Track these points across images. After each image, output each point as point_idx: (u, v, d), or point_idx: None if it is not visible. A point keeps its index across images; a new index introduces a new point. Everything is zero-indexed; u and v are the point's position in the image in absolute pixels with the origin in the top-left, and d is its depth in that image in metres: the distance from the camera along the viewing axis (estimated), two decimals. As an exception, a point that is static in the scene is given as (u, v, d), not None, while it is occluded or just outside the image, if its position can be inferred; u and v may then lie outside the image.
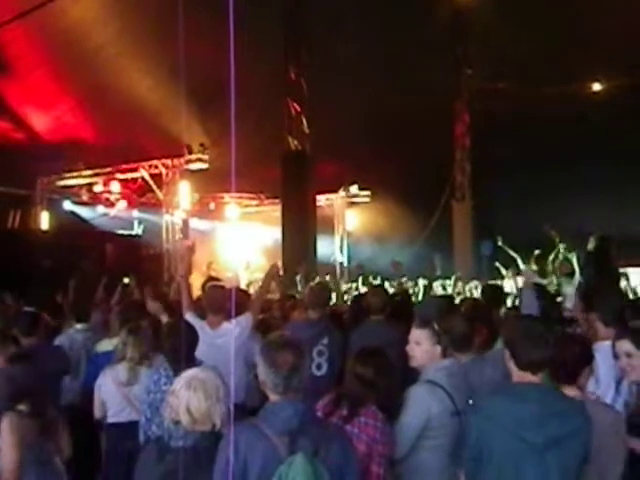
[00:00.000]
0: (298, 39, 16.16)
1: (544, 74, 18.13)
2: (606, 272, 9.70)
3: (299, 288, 10.04)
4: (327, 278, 13.05)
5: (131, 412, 5.10)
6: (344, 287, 15.92)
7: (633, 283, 10.96)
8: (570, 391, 3.55)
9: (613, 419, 3.55)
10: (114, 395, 5.18)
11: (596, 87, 20.97)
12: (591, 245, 10.13)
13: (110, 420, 5.24)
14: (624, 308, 4.72)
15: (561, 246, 11.22)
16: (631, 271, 11.82)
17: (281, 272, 6.71)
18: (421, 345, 4.12)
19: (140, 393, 5.00)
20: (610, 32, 16.71)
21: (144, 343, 5.21)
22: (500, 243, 13.91)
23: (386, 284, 13.61)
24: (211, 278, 8.05)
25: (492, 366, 4.32)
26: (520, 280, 10.79)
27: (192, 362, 4.36)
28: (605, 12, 16.25)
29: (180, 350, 4.17)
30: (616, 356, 3.86)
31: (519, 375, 3.26)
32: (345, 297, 12.51)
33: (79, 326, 6.66)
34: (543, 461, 3.12)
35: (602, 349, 4.15)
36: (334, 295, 9.30)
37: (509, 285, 12.19)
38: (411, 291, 13.85)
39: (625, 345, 3.78)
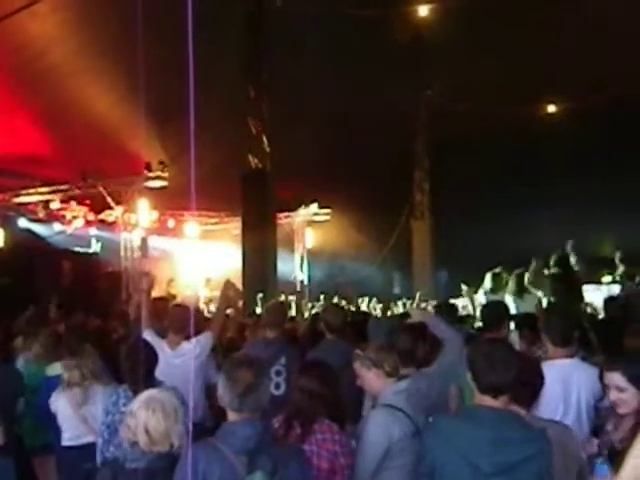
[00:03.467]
0: (258, 58, 16.21)
1: (502, 95, 18.44)
2: (569, 290, 9.80)
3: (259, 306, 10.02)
4: (283, 297, 13.02)
5: (88, 434, 5.02)
6: (306, 306, 15.94)
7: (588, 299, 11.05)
8: (519, 410, 3.55)
9: (559, 436, 3.52)
10: (70, 418, 5.09)
11: (551, 109, 21.44)
12: (553, 263, 10.24)
13: (66, 443, 5.14)
14: (571, 328, 4.72)
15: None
16: (589, 288, 11.96)
17: (238, 287, 6.66)
18: (362, 377, 4.11)
19: (96, 412, 4.94)
20: (565, 56, 17.10)
21: (94, 362, 5.16)
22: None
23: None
24: (160, 298, 7.90)
25: (427, 383, 4.31)
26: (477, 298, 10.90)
27: (152, 382, 4.32)
28: (561, 37, 16.62)
29: (139, 370, 4.13)
30: (606, 387, 3.67)
31: (479, 398, 3.25)
32: (305, 315, 12.51)
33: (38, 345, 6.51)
34: None
35: (551, 368, 4.18)
36: (294, 313, 9.31)
37: (463, 303, 12.27)
38: (367, 309, 13.92)
39: (615, 378, 3.56)
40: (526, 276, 10.45)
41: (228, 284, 6.13)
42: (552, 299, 9.67)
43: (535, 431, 3.28)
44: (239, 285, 13.82)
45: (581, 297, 10.17)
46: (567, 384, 4.35)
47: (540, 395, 3.75)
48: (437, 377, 4.27)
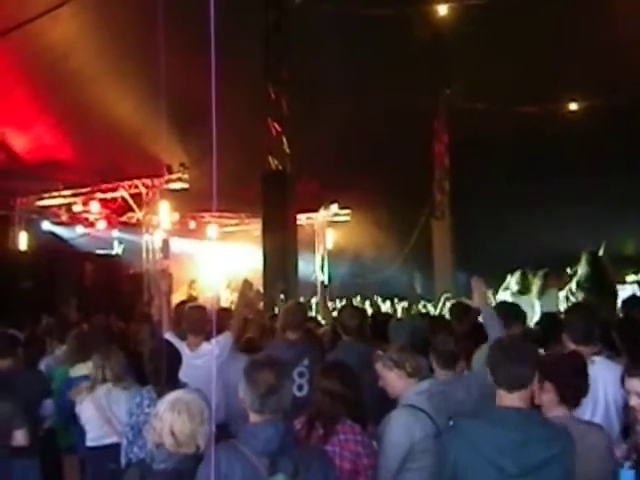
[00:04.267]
0: (278, 59, 16.23)
1: (522, 94, 18.34)
2: (603, 289, 9.68)
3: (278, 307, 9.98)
4: (311, 299, 12.99)
5: (111, 435, 5.06)
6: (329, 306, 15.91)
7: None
8: (565, 411, 3.58)
9: (594, 438, 3.52)
10: (94, 418, 5.13)
11: (573, 107, 21.25)
12: (583, 262, 10.11)
13: (90, 444, 5.18)
14: (593, 326, 4.67)
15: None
16: None
17: (255, 288, 6.69)
18: (383, 378, 4.10)
19: (120, 414, 4.97)
20: (587, 53, 16.95)
21: (119, 363, 5.20)
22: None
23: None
24: (184, 301, 8.02)
25: (465, 388, 4.28)
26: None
27: (176, 384, 4.34)
28: (582, 34, 16.49)
29: (163, 372, 4.15)
30: (627, 392, 3.56)
31: (499, 395, 3.23)
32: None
33: (65, 347, 6.56)
34: None
35: None
36: (318, 316, 9.28)
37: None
38: (390, 310, 13.83)
39: (635, 384, 3.44)
40: (573, 283, 10.34)
41: (246, 284, 6.13)
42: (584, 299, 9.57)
43: (557, 429, 3.25)
44: (259, 286, 13.88)
45: (615, 297, 10.01)
46: (594, 383, 4.27)
47: (585, 396, 3.76)
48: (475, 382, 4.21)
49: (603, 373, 4.37)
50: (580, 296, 9.88)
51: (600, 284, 9.84)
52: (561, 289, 10.37)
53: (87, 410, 5.17)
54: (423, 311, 13.66)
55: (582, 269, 10.14)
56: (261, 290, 13.95)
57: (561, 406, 3.63)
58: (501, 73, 17.69)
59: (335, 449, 3.59)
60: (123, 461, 4.44)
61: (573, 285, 10.27)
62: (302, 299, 13.78)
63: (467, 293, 6.37)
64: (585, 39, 16.54)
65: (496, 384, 3.23)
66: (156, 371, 4.41)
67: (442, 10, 18.57)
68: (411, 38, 17.58)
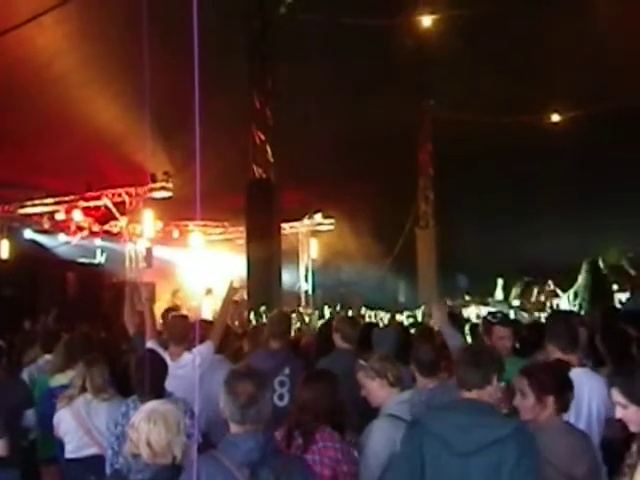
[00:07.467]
0: (263, 68, 16.27)
1: (505, 104, 18.46)
2: (599, 297, 9.72)
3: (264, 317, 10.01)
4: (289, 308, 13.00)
5: (91, 446, 5.00)
6: (309, 316, 15.91)
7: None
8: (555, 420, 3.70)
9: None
10: (75, 430, 5.06)
11: (555, 118, 21.45)
12: (584, 272, 10.15)
13: (70, 456, 5.11)
14: (576, 333, 4.69)
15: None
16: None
17: (241, 296, 6.67)
18: (365, 387, 4.11)
19: (100, 425, 4.92)
20: (569, 65, 17.12)
21: (101, 375, 5.14)
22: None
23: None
24: (169, 309, 7.99)
25: (448, 392, 4.29)
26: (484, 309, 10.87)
27: (161, 393, 4.31)
28: (564, 46, 16.65)
29: (149, 382, 4.12)
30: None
31: (461, 394, 3.39)
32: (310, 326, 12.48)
33: (48, 357, 6.48)
34: (466, 468, 3.16)
35: None
36: (299, 324, 9.29)
37: (472, 313, 12.25)
38: (374, 319, 13.89)
39: (615, 395, 3.28)
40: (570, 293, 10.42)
41: (232, 289, 6.08)
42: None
43: (504, 419, 3.36)
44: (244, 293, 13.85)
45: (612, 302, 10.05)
46: (578, 394, 4.27)
47: (568, 403, 3.83)
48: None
49: (589, 383, 4.36)
50: (578, 304, 9.94)
51: (598, 293, 9.89)
52: None
53: (65, 421, 5.10)
54: (405, 320, 13.71)
55: (582, 277, 10.19)
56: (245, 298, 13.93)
57: (557, 415, 3.72)
58: (485, 84, 17.82)
59: (315, 457, 3.59)
60: (108, 471, 4.39)
61: (571, 293, 10.33)
62: (286, 308, 13.78)
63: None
64: (566, 51, 16.71)
65: (458, 384, 3.40)
66: (142, 381, 4.38)
67: (426, 21, 18.71)
68: (396, 48, 17.67)
